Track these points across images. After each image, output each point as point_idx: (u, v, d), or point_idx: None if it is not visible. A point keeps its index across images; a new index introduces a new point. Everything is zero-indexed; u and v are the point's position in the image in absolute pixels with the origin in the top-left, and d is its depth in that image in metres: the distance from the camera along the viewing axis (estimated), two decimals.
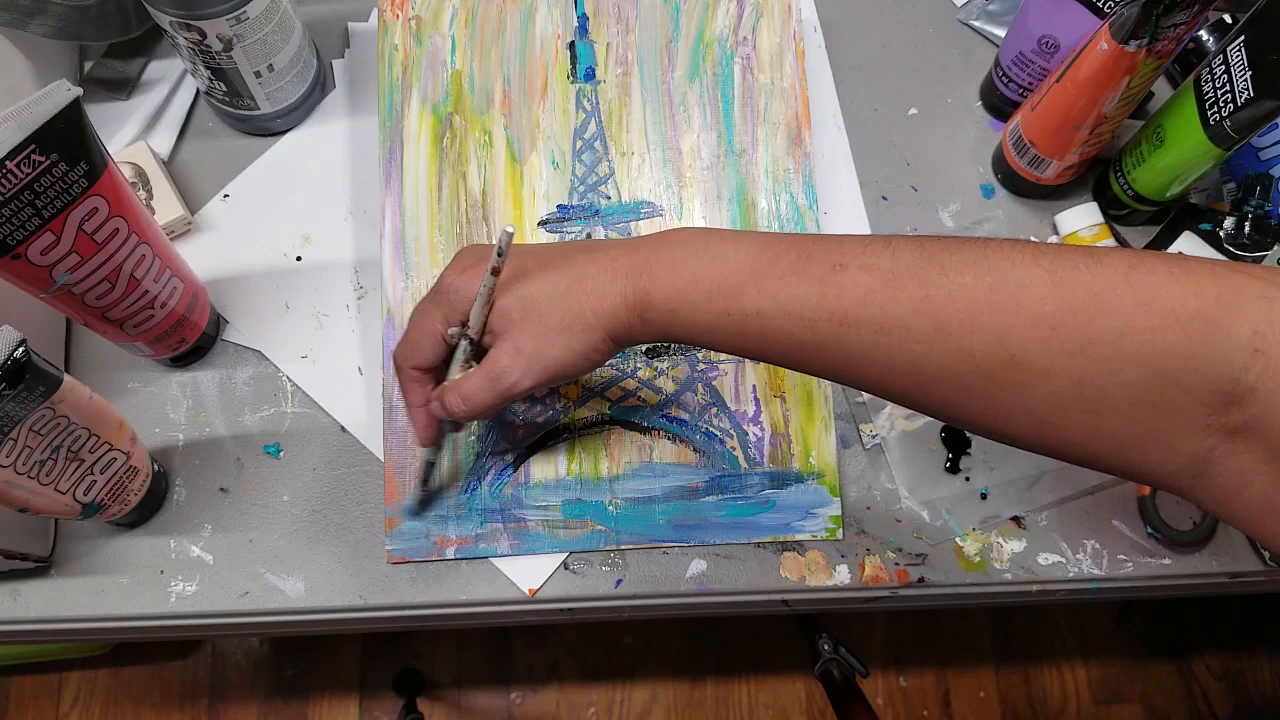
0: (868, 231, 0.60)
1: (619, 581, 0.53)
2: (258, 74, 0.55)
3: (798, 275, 0.37)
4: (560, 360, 0.41)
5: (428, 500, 0.53)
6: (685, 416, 0.54)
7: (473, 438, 0.53)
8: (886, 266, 0.36)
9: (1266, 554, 0.54)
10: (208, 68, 0.54)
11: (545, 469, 0.53)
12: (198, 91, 0.62)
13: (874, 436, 0.56)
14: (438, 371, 0.44)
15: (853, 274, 0.37)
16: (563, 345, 0.40)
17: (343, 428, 0.55)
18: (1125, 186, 0.58)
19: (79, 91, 0.40)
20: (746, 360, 0.55)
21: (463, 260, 0.43)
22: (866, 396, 0.57)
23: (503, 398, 0.41)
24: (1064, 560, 0.54)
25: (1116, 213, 0.60)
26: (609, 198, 0.56)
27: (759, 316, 0.38)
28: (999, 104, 0.63)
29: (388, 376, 0.53)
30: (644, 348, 0.55)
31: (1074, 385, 0.33)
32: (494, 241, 0.40)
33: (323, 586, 0.52)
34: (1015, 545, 0.55)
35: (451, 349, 0.43)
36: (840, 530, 0.54)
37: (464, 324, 0.42)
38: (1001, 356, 0.34)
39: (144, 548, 0.53)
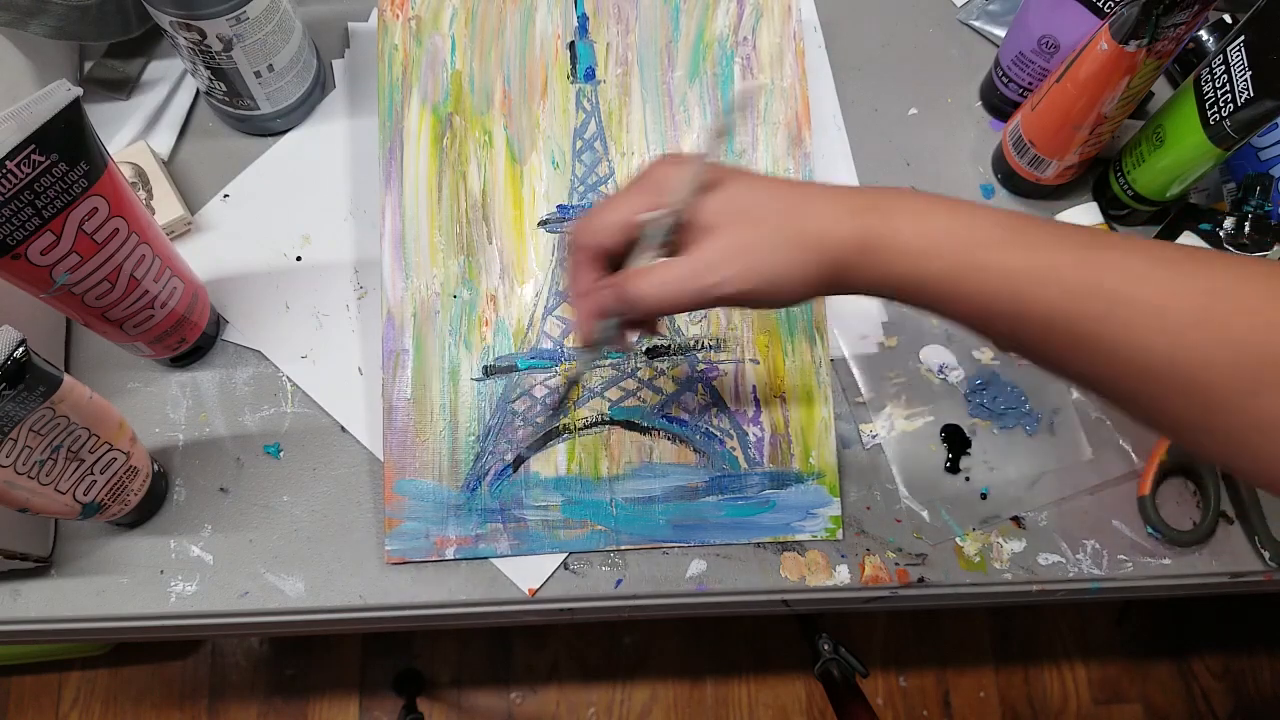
0: None
1: (619, 581, 0.53)
2: (258, 74, 0.55)
3: (1057, 241, 0.34)
4: (775, 273, 0.36)
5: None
6: (685, 416, 0.54)
7: (473, 438, 0.53)
8: (1157, 253, 0.33)
9: (1267, 554, 0.54)
10: (208, 68, 0.54)
11: (545, 469, 0.53)
12: (198, 91, 0.62)
13: (874, 436, 0.56)
14: (612, 263, 0.39)
15: (1118, 253, 0.34)
16: (783, 258, 0.36)
17: (343, 428, 0.55)
18: (1125, 186, 0.58)
19: (79, 91, 0.40)
20: (747, 360, 0.55)
21: (671, 158, 0.38)
22: (866, 396, 0.57)
23: (700, 297, 0.36)
24: (1064, 560, 0.54)
25: (1116, 213, 0.60)
26: None
27: (1015, 276, 0.34)
28: (999, 104, 0.63)
29: (388, 376, 0.53)
30: (644, 347, 0.55)
31: None
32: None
33: (323, 586, 0.52)
34: (1015, 545, 0.55)
35: (632, 243, 0.38)
36: (840, 530, 0.54)
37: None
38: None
39: (144, 548, 0.53)
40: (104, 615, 0.52)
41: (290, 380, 0.56)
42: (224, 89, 0.56)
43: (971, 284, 0.35)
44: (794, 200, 0.36)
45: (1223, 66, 0.50)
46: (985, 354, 0.58)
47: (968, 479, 0.56)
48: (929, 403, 0.57)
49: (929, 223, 0.35)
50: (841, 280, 0.37)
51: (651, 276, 0.37)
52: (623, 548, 0.53)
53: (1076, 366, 0.35)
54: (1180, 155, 0.54)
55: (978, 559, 0.54)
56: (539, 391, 0.54)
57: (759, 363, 0.55)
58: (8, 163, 0.38)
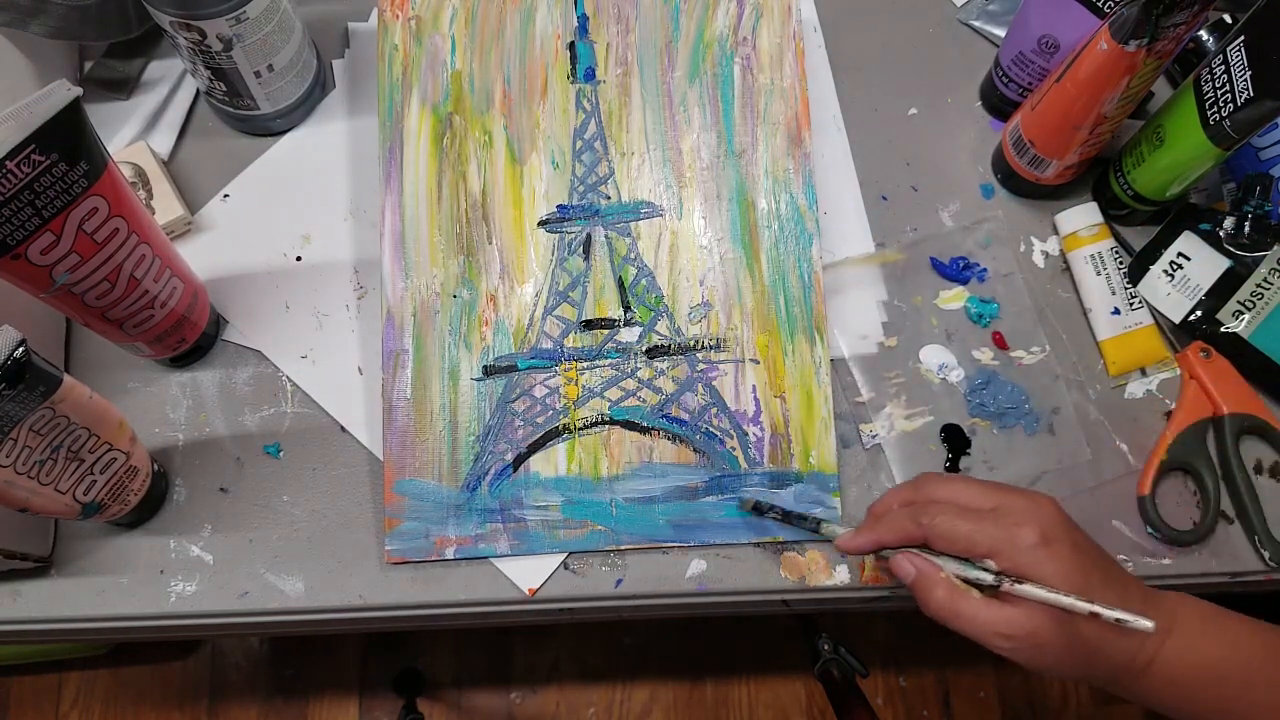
0: (867, 231, 0.60)
1: (619, 581, 0.53)
2: (258, 74, 0.55)
3: None
4: (1044, 667, 0.41)
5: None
6: (685, 416, 0.54)
7: (473, 438, 0.53)
8: None
9: (1266, 554, 0.54)
10: (208, 68, 0.54)
11: (545, 469, 0.53)
12: (198, 91, 0.62)
13: (874, 436, 0.56)
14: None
15: None
16: (1057, 661, 0.41)
17: (343, 428, 0.55)
18: (1125, 186, 0.58)
19: (79, 91, 0.40)
20: (747, 360, 0.55)
21: (1041, 511, 0.43)
22: (866, 396, 0.57)
23: (973, 638, 0.42)
24: None
25: (1116, 213, 0.60)
26: (609, 198, 0.56)
27: (1260, 710, 0.40)
28: (999, 104, 0.63)
29: (388, 376, 0.53)
30: (644, 347, 0.55)
31: None
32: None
33: (323, 586, 0.52)
34: None
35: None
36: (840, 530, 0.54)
37: (1004, 573, 0.41)
38: None
39: (144, 548, 0.53)
40: (104, 615, 0.52)
41: (290, 380, 0.56)
42: (224, 89, 0.56)
43: (1215, 714, 0.41)
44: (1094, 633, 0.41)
45: (1223, 66, 0.50)
46: (985, 354, 0.58)
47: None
48: (929, 403, 0.57)
49: (1195, 655, 0.41)
50: (1100, 683, 0.43)
51: (956, 601, 0.42)
52: (623, 548, 0.53)
53: None
54: (1180, 155, 0.54)
55: None
56: (539, 391, 0.54)
57: (759, 363, 0.55)
58: (8, 163, 0.38)
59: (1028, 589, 0.40)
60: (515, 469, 0.53)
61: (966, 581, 0.43)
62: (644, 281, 0.55)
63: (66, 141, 0.40)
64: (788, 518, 0.51)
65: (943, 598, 0.42)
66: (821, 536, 0.50)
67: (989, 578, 0.42)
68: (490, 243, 0.55)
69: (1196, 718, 0.42)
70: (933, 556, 0.44)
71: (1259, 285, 0.56)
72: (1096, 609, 0.39)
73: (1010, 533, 0.41)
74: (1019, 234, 0.61)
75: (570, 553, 0.53)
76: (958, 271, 0.59)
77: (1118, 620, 0.39)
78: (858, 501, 0.55)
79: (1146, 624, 0.38)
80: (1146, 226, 0.61)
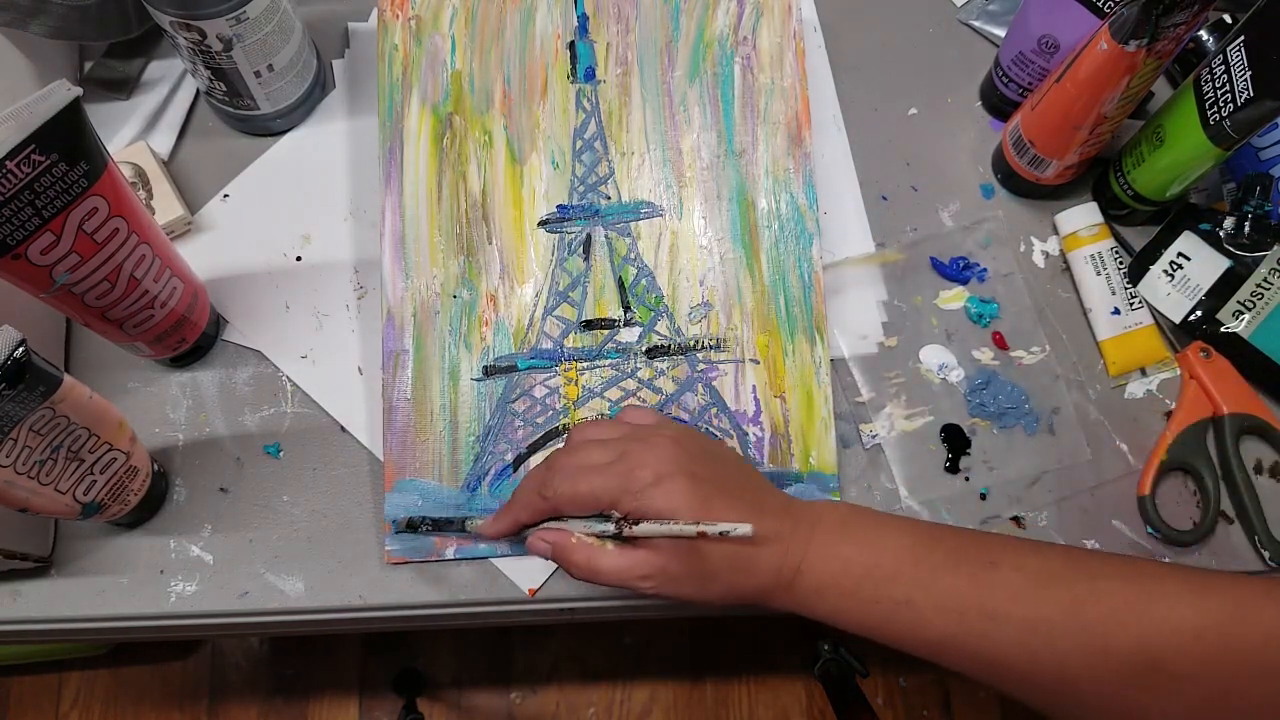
0: (867, 231, 0.60)
1: None
2: (258, 74, 0.55)
3: (950, 569, 0.40)
4: (690, 598, 0.42)
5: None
6: (685, 416, 0.54)
7: (473, 438, 0.53)
8: (1036, 567, 0.39)
9: (1267, 554, 0.54)
10: (208, 68, 0.54)
11: None
12: (198, 91, 0.62)
13: (874, 436, 0.56)
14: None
15: (1004, 573, 0.39)
16: (698, 588, 0.42)
17: (343, 428, 0.55)
18: (1125, 186, 0.58)
19: (79, 91, 0.40)
20: (747, 360, 0.55)
21: (645, 432, 0.44)
22: (866, 396, 0.57)
23: (620, 587, 0.43)
24: None
25: (1116, 213, 0.60)
26: (609, 197, 0.56)
27: (908, 606, 0.40)
28: (999, 104, 0.63)
29: (388, 376, 0.53)
30: (644, 347, 0.55)
31: (1217, 693, 0.35)
32: None
33: (323, 586, 0.52)
34: None
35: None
36: None
37: (624, 518, 0.42)
38: (1143, 661, 0.36)
39: (144, 548, 0.53)
40: (104, 615, 0.52)
41: (290, 380, 0.56)
42: (224, 89, 0.56)
43: (873, 616, 0.40)
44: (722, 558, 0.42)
45: (1223, 66, 0.50)
46: (985, 354, 0.58)
47: (967, 479, 0.56)
48: (929, 403, 0.57)
49: (836, 559, 0.41)
50: (765, 603, 0.43)
51: (595, 558, 0.43)
52: None
53: (977, 675, 0.41)
54: (1180, 155, 0.54)
55: None
56: (539, 391, 0.54)
57: (759, 363, 0.55)
58: (8, 163, 0.38)
59: (641, 527, 0.41)
60: (515, 469, 0.53)
61: (601, 536, 0.43)
62: (644, 281, 0.56)
63: (66, 141, 0.40)
64: (437, 525, 0.51)
65: (581, 559, 0.43)
66: (468, 533, 0.51)
67: (610, 527, 0.42)
68: (490, 243, 0.55)
69: (850, 622, 0.41)
70: (565, 523, 0.44)
71: (1259, 285, 0.56)
72: (701, 528, 0.39)
73: (625, 480, 0.42)
74: (1019, 234, 0.61)
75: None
76: (958, 271, 0.59)
77: (720, 533, 0.39)
78: (857, 501, 0.55)
79: (744, 528, 0.39)
80: (1146, 226, 0.61)
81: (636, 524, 0.42)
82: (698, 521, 0.40)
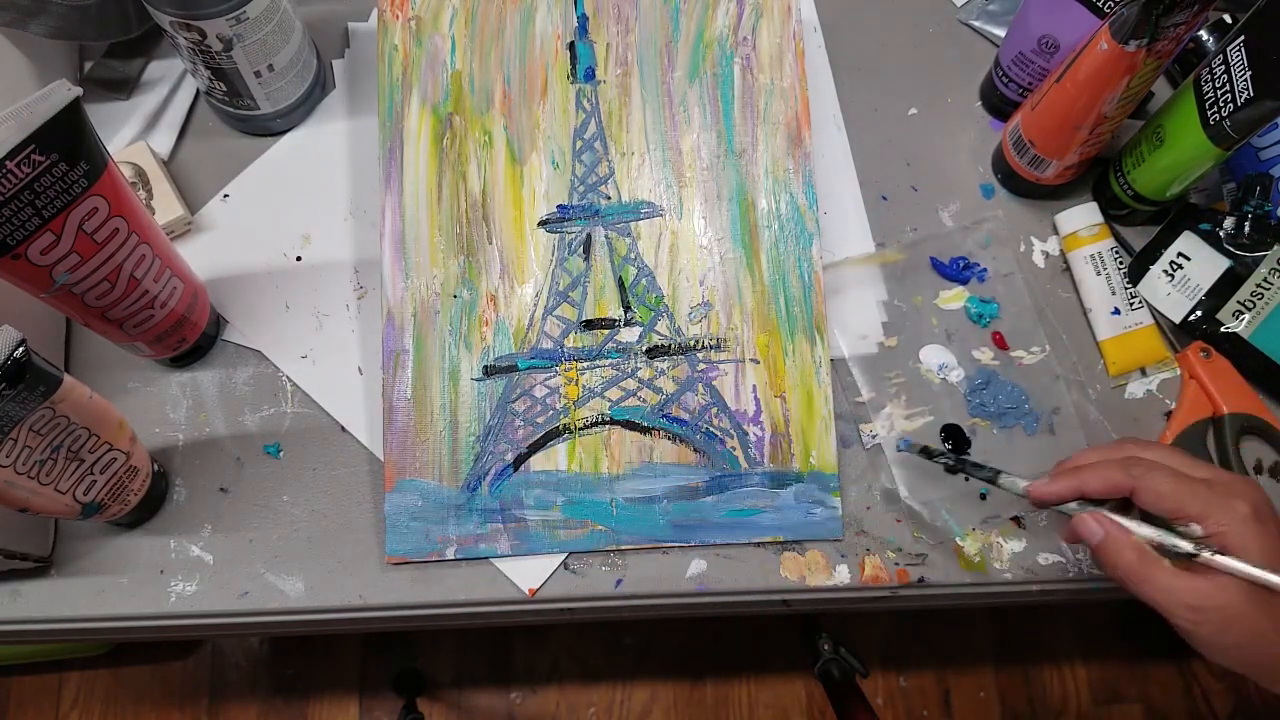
0: (867, 231, 0.60)
1: (619, 581, 0.53)
2: (258, 74, 0.55)
3: None
4: (1225, 647, 0.40)
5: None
6: (685, 416, 0.54)
7: (473, 438, 0.53)
8: None
9: None
10: (208, 68, 0.54)
11: (545, 469, 0.53)
12: (198, 91, 0.62)
13: (874, 436, 0.56)
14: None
15: None
16: (1232, 642, 0.40)
17: (343, 428, 0.55)
18: (1125, 186, 0.58)
19: (79, 91, 0.40)
20: (747, 360, 0.55)
21: (1248, 491, 0.41)
22: (866, 396, 0.57)
23: (1153, 605, 0.40)
24: (1064, 560, 0.54)
25: (1116, 213, 0.60)
26: (609, 198, 0.56)
27: None
28: (999, 104, 0.63)
29: (388, 376, 0.53)
30: (645, 347, 0.55)
31: None
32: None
33: (323, 586, 0.52)
34: (1015, 545, 0.55)
35: (1153, 518, 0.42)
36: (840, 530, 0.54)
37: (1208, 544, 0.40)
38: None
39: (144, 548, 0.53)
40: (104, 615, 0.52)
41: (290, 380, 0.56)
42: (224, 89, 0.56)
43: None
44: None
45: (1223, 66, 0.50)
46: (985, 354, 0.58)
47: (967, 479, 0.56)
48: (929, 403, 0.57)
49: None
50: (1268, 676, 0.41)
51: (1141, 565, 0.40)
52: (623, 548, 0.53)
53: None
54: (1180, 155, 0.54)
55: (978, 559, 0.54)
56: (539, 391, 0.54)
57: (759, 363, 0.55)
58: (8, 163, 0.38)
59: (1231, 562, 0.38)
60: (515, 469, 0.53)
61: (1159, 549, 0.41)
62: (644, 281, 0.56)
63: (66, 141, 0.40)
64: (961, 465, 0.49)
65: (1133, 561, 0.40)
66: (1000, 488, 0.47)
67: (1188, 546, 0.40)
68: (490, 243, 0.55)
69: None
70: (1122, 520, 0.42)
71: (1259, 285, 0.56)
72: None
73: (1224, 501, 0.39)
74: (1019, 234, 0.61)
75: (570, 553, 0.53)
76: (958, 271, 0.59)
77: None
78: (857, 501, 0.55)
79: None
80: (1146, 226, 0.61)
81: (1222, 553, 0.39)
82: None
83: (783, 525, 0.53)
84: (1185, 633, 0.40)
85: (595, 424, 0.54)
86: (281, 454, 0.55)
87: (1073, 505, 0.44)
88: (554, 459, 0.53)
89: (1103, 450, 0.44)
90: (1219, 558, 0.39)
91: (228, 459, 0.54)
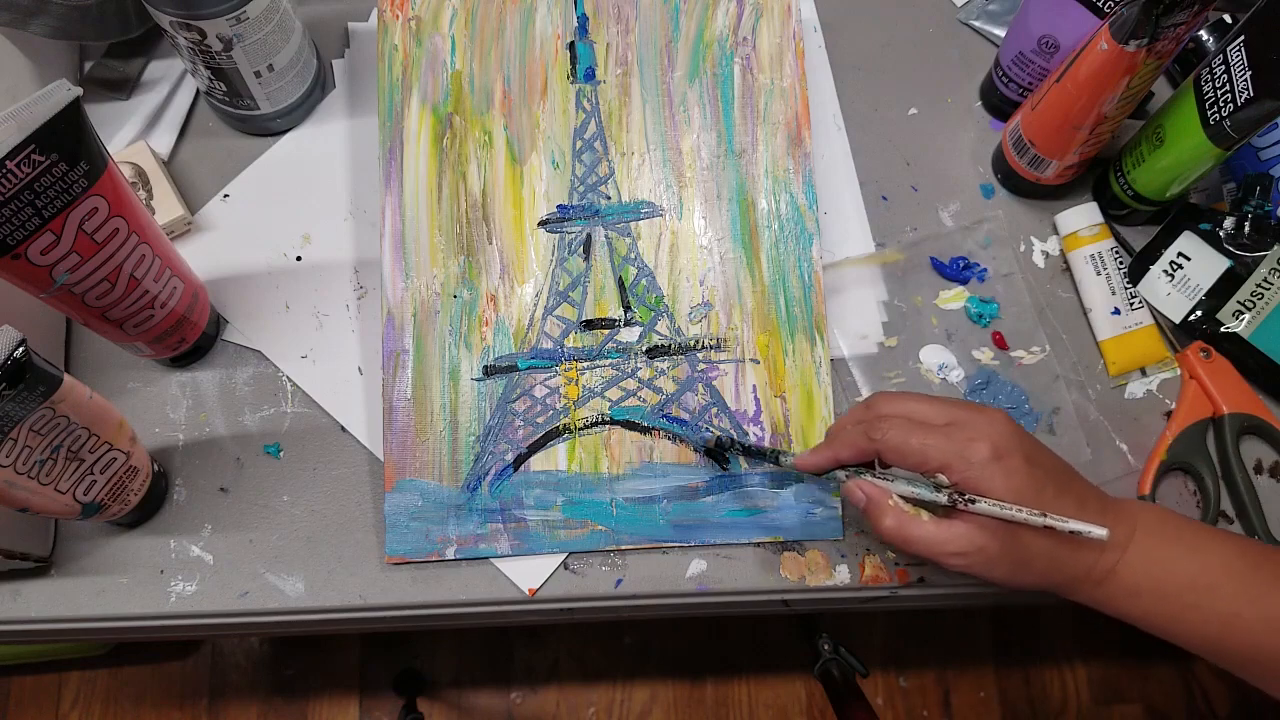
0: (867, 231, 0.60)
1: (619, 581, 0.53)
2: (258, 74, 0.55)
3: (1275, 582, 0.40)
4: (997, 580, 0.42)
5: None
6: (685, 416, 0.54)
7: (473, 438, 0.53)
8: None
9: None
10: (208, 68, 0.54)
11: (545, 469, 0.53)
12: (198, 91, 0.62)
13: None
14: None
15: None
16: (1009, 573, 0.42)
17: (343, 428, 0.55)
18: (1125, 186, 0.58)
19: (79, 91, 0.40)
20: (747, 360, 0.55)
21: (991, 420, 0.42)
22: (866, 395, 0.57)
23: (922, 556, 0.42)
24: None
25: (1116, 213, 0.60)
26: (609, 198, 0.56)
27: (1234, 619, 0.40)
28: (999, 104, 0.63)
29: (388, 376, 0.53)
30: (645, 347, 0.55)
31: None
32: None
33: (323, 586, 0.52)
34: None
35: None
36: (840, 530, 0.54)
37: (958, 491, 0.42)
38: None
39: (144, 548, 0.53)
40: (104, 615, 0.52)
41: (290, 380, 0.56)
42: (224, 89, 0.56)
43: (1189, 622, 0.41)
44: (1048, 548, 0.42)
45: (1223, 66, 0.50)
46: (985, 354, 0.58)
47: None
48: None
49: (1159, 562, 0.41)
50: (1068, 596, 0.43)
51: (908, 526, 0.42)
52: (623, 548, 0.53)
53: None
54: (1180, 155, 0.54)
55: None
56: (539, 391, 0.54)
57: (759, 363, 0.55)
58: (8, 163, 0.38)
59: (981, 506, 0.40)
60: (515, 469, 0.53)
61: (919, 503, 0.43)
62: (644, 281, 0.56)
63: (66, 142, 0.40)
64: (748, 452, 0.51)
65: (892, 524, 0.42)
66: (781, 468, 0.50)
67: (942, 498, 0.42)
68: (490, 243, 0.55)
69: (1157, 626, 0.42)
70: (883, 480, 0.44)
71: (1259, 285, 0.56)
72: (1050, 522, 0.39)
73: (963, 447, 0.41)
74: (1019, 234, 0.61)
75: (570, 553, 0.53)
76: (958, 271, 0.59)
77: (1072, 531, 0.39)
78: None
79: (1100, 532, 0.38)
80: (1146, 226, 0.61)
81: (973, 501, 0.41)
82: (1044, 514, 0.39)
83: (782, 525, 0.53)
84: (960, 571, 0.42)
85: (595, 424, 0.54)
86: (281, 454, 0.55)
87: (840, 473, 0.45)
88: (554, 459, 0.53)
89: (855, 413, 0.46)
90: (974, 506, 0.41)
91: (228, 459, 0.54)
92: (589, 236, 0.56)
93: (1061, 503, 0.41)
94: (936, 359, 0.58)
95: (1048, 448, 0.44)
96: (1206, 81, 0.51)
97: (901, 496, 0.43)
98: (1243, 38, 0.49)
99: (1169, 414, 0.57)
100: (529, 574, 0.53)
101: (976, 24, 0.66)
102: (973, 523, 0.41)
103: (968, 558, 0.41)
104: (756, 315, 0.55)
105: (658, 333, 0.55)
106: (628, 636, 1.21)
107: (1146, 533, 0.42)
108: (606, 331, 0.55)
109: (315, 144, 0.61)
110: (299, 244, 0.59)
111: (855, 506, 0.45)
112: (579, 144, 0.57)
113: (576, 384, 0.54)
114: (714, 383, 0.55)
